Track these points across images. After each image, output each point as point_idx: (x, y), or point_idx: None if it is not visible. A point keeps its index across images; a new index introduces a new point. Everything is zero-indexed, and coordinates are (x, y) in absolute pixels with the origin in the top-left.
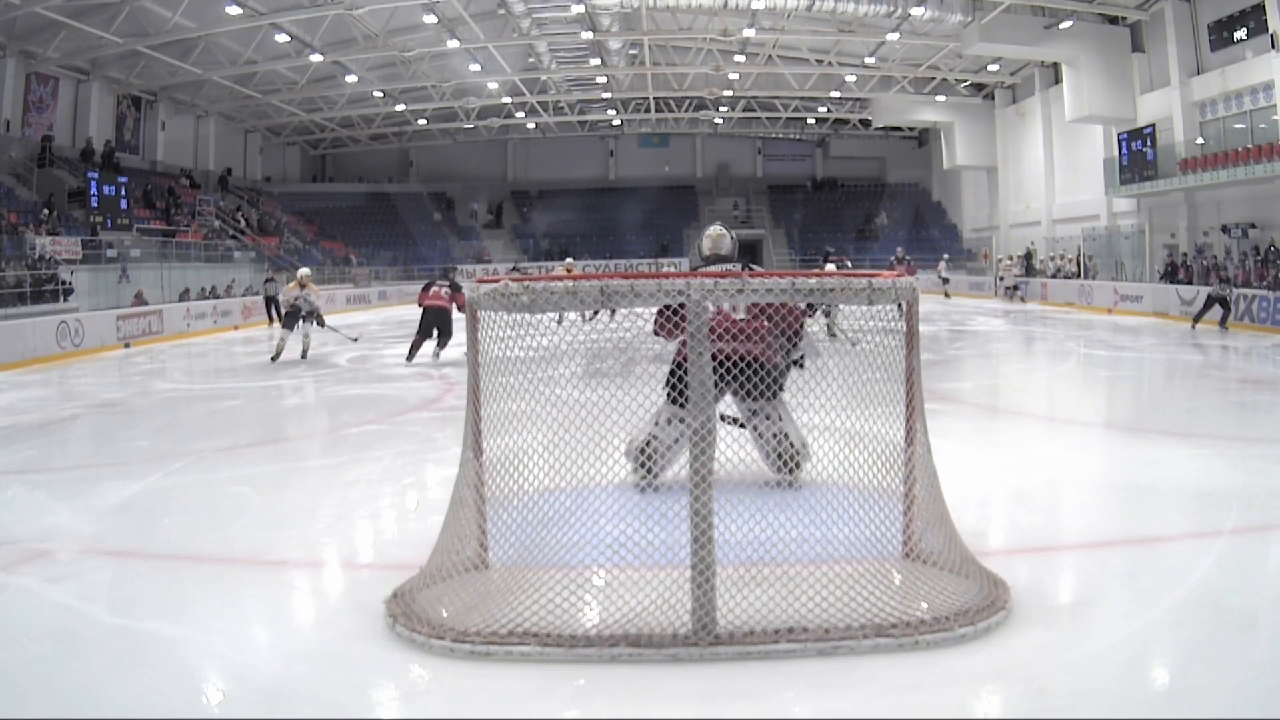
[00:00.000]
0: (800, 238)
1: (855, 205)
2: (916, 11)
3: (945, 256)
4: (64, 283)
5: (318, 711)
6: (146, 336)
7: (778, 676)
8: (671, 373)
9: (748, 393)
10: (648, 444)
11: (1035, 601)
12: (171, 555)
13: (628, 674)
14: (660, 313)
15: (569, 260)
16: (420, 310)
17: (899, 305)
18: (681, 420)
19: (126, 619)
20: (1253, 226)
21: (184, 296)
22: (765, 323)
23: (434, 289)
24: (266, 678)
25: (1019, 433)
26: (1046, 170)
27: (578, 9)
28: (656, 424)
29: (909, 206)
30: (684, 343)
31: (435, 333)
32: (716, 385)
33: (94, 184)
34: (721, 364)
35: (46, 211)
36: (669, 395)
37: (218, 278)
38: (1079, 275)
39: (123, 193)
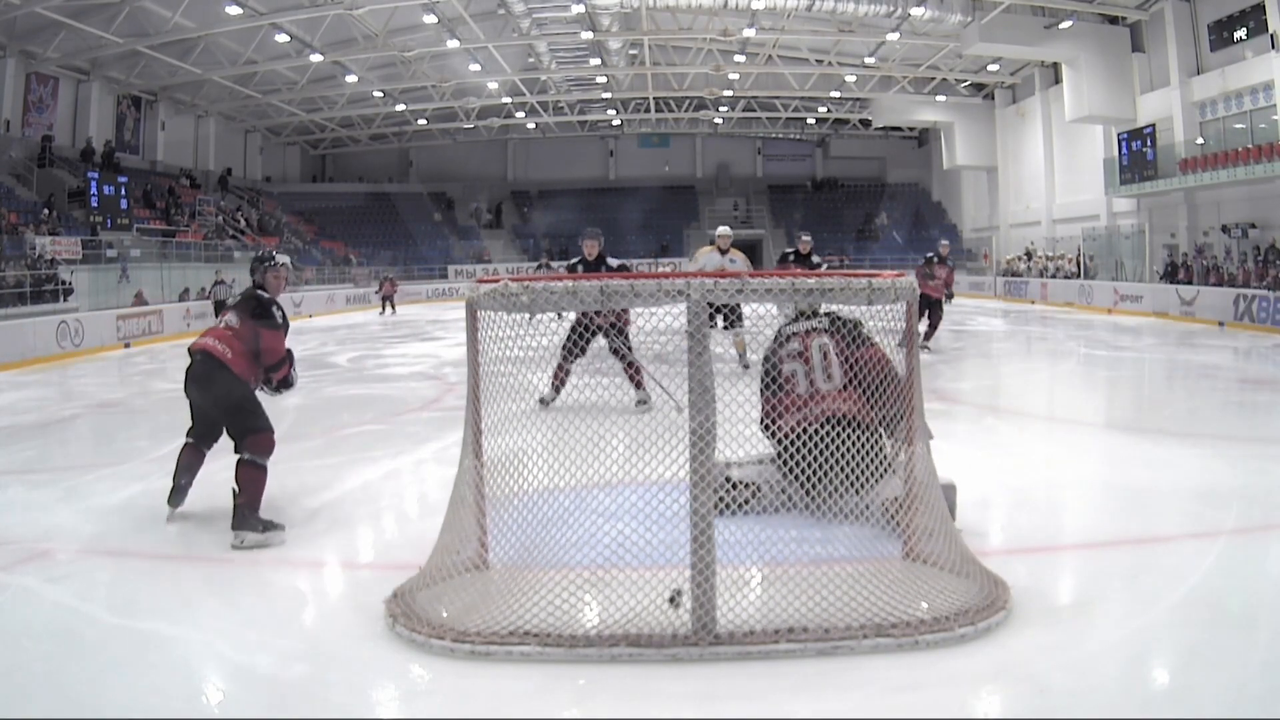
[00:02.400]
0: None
1: (855, 205)
2: (916, 11)
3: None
4: (64, 283)
5: (318, 711)
6: (146, 336)
7: (778, 676)
8: (782, 449)
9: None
10: (743, 484)
11: (1035, 601)
12: (171, 555)
13: (628, 674)
14: (765, 416)
15: (723, 230)
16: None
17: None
18: (782, 491)
19: (126, 619)
20: (1253, 226)
21: (184, 296)
22: (861, 395)
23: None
24: (266, 678)
25: (1019, 433)
26: (1046, 170)
27: (578, 9)
28: (760, 464)
29: (909, 206)
30: (784, 418)
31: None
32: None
33: (94, 184)
34: (823, 426)
35: (46, 211)
36: (780, 465)
37: None
38: (1079, 275)
39: (123, 193)
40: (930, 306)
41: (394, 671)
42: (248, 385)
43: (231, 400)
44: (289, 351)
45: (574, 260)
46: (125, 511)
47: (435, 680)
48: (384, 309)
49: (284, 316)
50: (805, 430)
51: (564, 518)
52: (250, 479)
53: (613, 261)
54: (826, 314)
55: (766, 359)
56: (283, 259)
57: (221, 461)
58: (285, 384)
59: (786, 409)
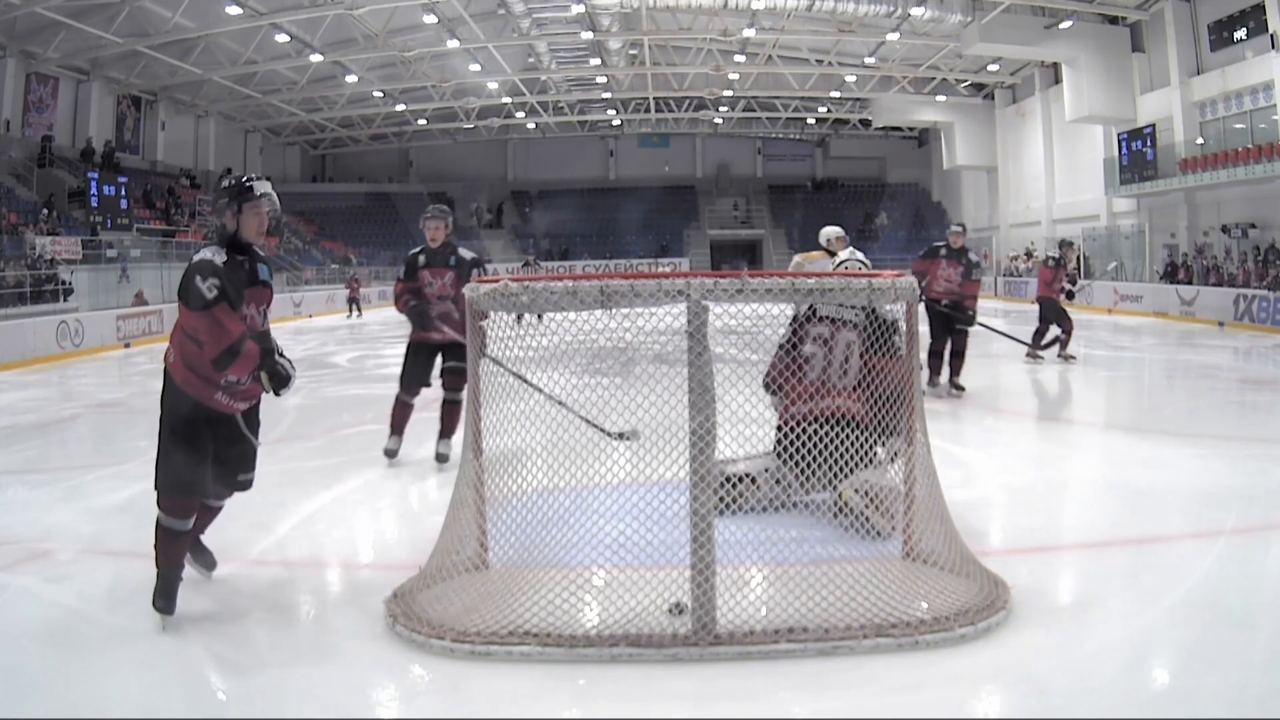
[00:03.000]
0: (800, 238)
1: (855, 205)
2: (916, 11)
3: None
4: (64, 283)
5: (318, 711)
6: (146, 336)
7: (778, 676)
8: (781, 435)
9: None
10: (738, 477)
11: (1035, 601)
12: None
13: (628, 674)
14: (773, 371)
15: (836, 231)
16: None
17: None
18: (777, 481)
19: (126, 619)
20: (1253, 226)
21: None
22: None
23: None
24: (266, 678)
25: (1019, 433)
26: (1046, 170)
27: (578, 9)
28: (759, 459)
29: (909, 206)
30: (790, 406)
31: None
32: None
33: (94, 184)
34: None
35: (46, 211)
36: (777, 453)
37: None
38: (1079, 275)
39: (123, 193)
40: (1059, 312)
41: (394, 671)
42: (191, 405)
43: (162, 422)
44: (263, 338)
45: (415, 250)
46: (125, 511)
47: (435, 680)
48: (350, 311)
49: (220, 286)
50: (808, 427)
51: (564, 518)
52: (157, 537)
53: (465, 253)
54: (864, 309)
55: (793, 322)
56: (263, 188)
57: None
58: (278, 380)
59: (796, 397)
